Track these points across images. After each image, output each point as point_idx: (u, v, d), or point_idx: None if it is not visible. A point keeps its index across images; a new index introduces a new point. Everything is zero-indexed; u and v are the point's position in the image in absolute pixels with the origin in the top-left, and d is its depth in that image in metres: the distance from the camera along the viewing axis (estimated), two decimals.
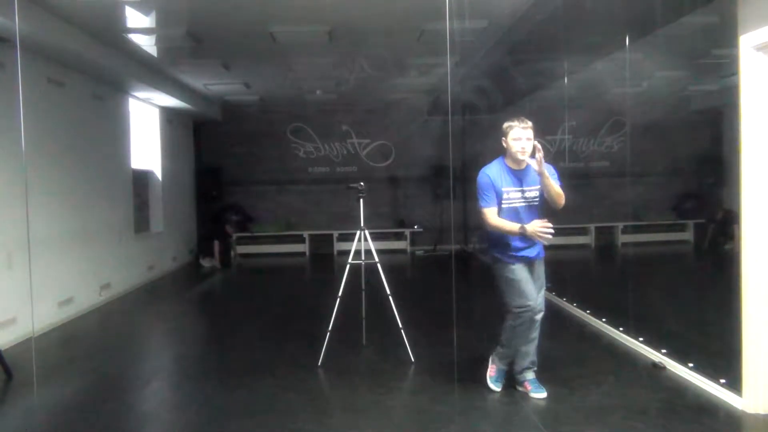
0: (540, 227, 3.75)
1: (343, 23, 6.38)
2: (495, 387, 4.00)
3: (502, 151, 3.92)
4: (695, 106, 11.08)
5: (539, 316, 3.90)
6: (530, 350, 3.94)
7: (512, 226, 3.78)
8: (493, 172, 3.86)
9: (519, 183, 3.84)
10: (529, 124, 3.79)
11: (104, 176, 7.70)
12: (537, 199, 3.86)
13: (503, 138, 3.84)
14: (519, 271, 3.84)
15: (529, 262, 3.88)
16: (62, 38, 5.91)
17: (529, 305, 3.80)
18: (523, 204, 3.85)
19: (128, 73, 7.68)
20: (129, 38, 6.81)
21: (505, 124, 3.82)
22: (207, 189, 11.81)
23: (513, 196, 3.84)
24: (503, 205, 3.84)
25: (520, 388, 3.98)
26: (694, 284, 7.65)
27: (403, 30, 6.63)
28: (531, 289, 3.83)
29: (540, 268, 3.96)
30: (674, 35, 5.79)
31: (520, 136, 3.75)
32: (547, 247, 3.96)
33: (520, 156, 3.76)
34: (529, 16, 6.01)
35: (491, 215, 3.82)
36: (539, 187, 3.83)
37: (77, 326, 6.35)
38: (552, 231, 3.76)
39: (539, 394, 3.89)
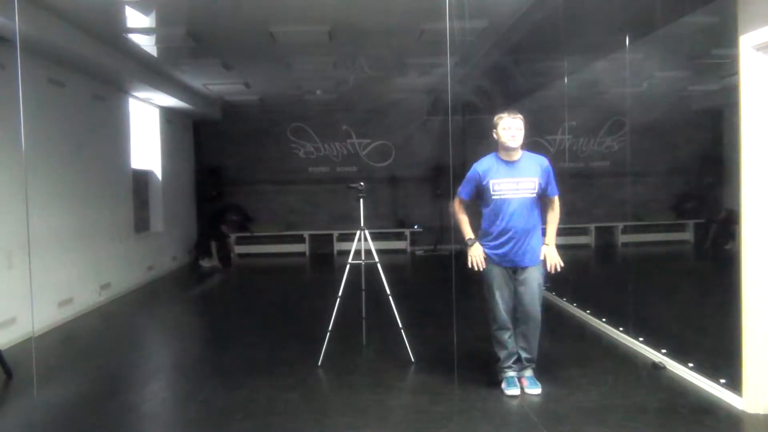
0: (476, 255, 3.91)
1: (343, 23, 6.38)
2: (508, 392, 3.92)
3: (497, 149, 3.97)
4: (695, 106, 11.08)
5: (530, 325, 3.91)
6: (527, 347, 3.97)
7: (465, 230, 4.02)
8: (483, 166, 3.93)
9: (512, 174, 3.87)
10: (520, 116, 3.87)
11: (104, 176, 7.70)
12: (533, 191, 3.85)
13: (494, 130, 3.91)
14: (495, 273, 3.92)
15: (511, 269, 3.91)
16: (62, 38, 5.91)
17: (495, 317, 3.94)
18: (515, 195, 3.84)
19: (128, 73, 7.68)
20: (129, 38, 6.80)
21: (496, 116, 3.91)
22: (207, 189, 11.80)
23: (504, 187, 3.85)
24: (494, 197, 3.87)
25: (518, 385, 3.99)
26: (694, 284, 7.65)
27: (403, 30, 6.63)
28: (503, 298, 3.91)
29: (529, 275, 3.89)
30: (674, 35, 5.79)
31: (510, 126, 3.83)
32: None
33: (510, 144, 3.83)
34: (529, 16, 6.02)
35: (457, 202, 4.04)
36: (535, 179, 3.86)
37: (77, 326, 6.35)
38: (482, 265, 3.91)
39: (534, 390, 3.90)
